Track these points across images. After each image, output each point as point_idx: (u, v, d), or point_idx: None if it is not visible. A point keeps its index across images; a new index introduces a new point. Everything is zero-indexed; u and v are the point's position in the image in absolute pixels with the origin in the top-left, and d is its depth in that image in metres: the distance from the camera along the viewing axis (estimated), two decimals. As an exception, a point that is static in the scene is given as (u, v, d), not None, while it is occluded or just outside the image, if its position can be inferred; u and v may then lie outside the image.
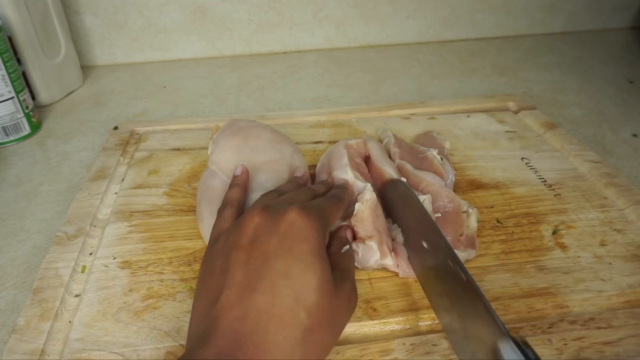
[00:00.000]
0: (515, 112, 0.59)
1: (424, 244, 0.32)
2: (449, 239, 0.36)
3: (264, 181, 0.40)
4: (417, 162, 0.44)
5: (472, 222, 0.38)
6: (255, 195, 0.39)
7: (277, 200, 0.31)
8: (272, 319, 0.24)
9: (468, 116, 0.58)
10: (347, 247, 0.33)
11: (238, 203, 0.35)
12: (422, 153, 0.45)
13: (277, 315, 0.24)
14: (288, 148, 0.45)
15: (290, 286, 0.24)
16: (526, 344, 0.23)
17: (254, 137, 0.44)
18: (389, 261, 0.35)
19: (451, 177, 0.44)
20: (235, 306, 0.24)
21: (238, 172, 0.38)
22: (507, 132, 0.54)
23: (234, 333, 0.23)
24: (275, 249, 0.26)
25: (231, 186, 0.37)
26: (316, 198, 0.34)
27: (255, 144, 0.43)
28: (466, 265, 0.36)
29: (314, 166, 0.48)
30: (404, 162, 0.43)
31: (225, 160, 0.42)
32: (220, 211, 0.34)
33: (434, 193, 0.39)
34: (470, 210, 0.38)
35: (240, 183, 0.37)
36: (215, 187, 0.40)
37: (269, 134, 0.46)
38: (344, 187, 0.37)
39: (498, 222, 0.41)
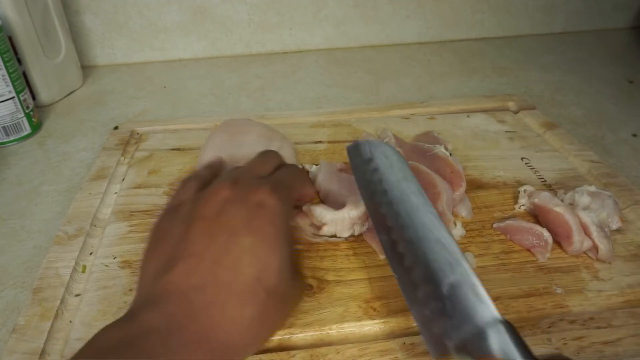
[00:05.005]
0: (515, 112, 0.59)
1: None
2: None
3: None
4: (426, 161, 0.43)
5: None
6: None
7: (246, 176, 0.30)
8: (232, 294, 0.24)
9: (468, 116, 0.58)
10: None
11: (204, 179, 0.32)
12: (428, 151, 0.45)
13: (238, 291, 0.24)
14: (276, 142, 0.44)
15: (254, 265, 0.24)
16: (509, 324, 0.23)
17: (240, 133, 0.43)
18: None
19: (463, 184, 0.42)
20: (193, 275, 0.24)
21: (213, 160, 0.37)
22: (507, 132, 0.54)
23: (188, 302, 0.23)
24: (243, 226, 0.25)
25: (203, 167, 0.35)
26: (278, 174, 0.32)
27: (241, 140, 0.43)
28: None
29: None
30: (418, 164, 0.42)
31: (209, 158, 0.41)
32: (185, 181, 0.32)
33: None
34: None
35: (212, 166, 0.35)
36: None
37: (259, 129, 0.45)
38: (295, 167, 0.37)
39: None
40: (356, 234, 0.38)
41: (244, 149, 0.42)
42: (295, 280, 0.28)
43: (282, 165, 0.34)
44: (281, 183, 0.29)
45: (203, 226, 0.26)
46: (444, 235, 0.27)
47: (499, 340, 0.22)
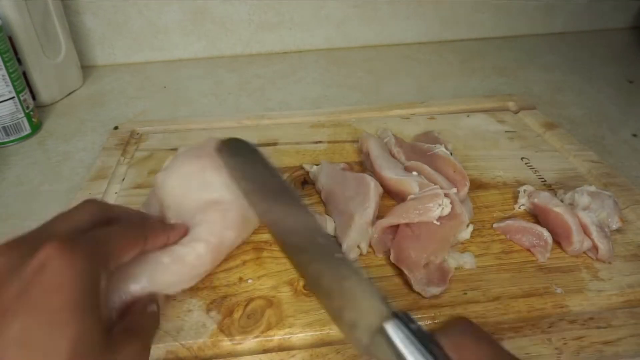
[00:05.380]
0: (515, 112, 0.59)
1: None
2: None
3: (197, 225, 0.33)
4: (426, 161, 0.43)
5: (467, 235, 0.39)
6: (191, 247, 0.31)
7: (33, 234, 0.24)
8: None
9: (468, 116, 0.58)
10: (154, 306, 0.27)
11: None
12: (428, 151, 0.45)
13: None
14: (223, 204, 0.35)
15: (28, 356, 0.19)
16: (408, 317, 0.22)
17: (213, 169, 0.36)
18: None
19: (467, 184, 0.41)
20: None
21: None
22: (507, 132, 0.54)
23: None
24: (13, 304, 0.19)
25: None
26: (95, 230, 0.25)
27: (211, 179, 0.35)
28: (460, 271, 0.37)
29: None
30: (421, 164, 0.42)
31: (170, 186, 0.36)
32: None
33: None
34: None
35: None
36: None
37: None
38: (144, 216, 0.32)
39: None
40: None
41: (208, 191, 0.35)
42: (123, 351, 0.22)
43: (111, 219, 0.27)
44: (87, 236, 0.23)
45: None
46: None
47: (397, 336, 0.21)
